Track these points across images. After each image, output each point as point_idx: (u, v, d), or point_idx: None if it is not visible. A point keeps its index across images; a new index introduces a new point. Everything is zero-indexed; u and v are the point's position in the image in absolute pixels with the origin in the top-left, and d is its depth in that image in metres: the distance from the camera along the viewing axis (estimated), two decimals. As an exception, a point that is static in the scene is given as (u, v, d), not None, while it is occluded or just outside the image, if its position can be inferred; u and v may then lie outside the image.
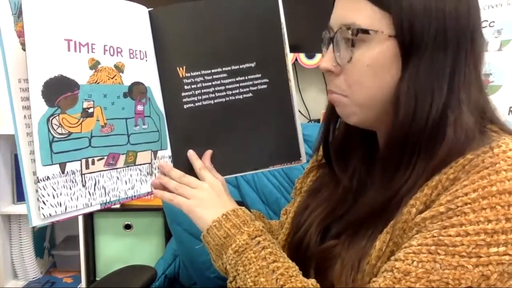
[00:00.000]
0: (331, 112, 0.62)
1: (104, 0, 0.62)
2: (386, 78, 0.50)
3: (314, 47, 1.53)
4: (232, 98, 0.69)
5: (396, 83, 0.50)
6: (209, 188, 0.63)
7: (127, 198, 0.64)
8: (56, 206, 0.55)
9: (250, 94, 0.69)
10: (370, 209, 0.53)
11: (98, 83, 0.59)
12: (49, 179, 0.54)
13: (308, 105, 1.68)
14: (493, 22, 1.18)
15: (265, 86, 0.69)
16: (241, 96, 0.69)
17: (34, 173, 0.54)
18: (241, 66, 0.68)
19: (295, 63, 1.61)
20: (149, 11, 0.68)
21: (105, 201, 0.61)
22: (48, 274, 1.75)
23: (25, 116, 0.54)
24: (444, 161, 0.48)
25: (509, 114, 1.15)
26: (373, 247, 0.50)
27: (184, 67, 0.68)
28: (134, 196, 0.65)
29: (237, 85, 0.68)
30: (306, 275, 0.55)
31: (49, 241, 1.80)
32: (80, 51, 0.58)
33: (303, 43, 1.58)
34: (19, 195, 1.65)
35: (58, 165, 0.55)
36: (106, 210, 1.59)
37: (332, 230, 0.59)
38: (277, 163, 0.71)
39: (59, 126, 0.55)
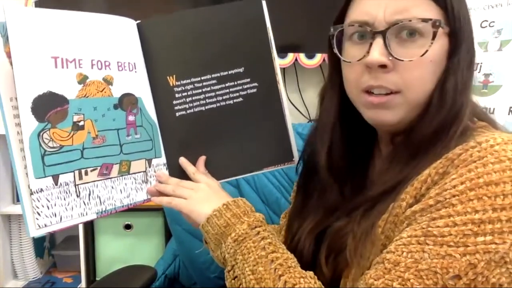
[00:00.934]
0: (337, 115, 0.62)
1: (90, 16, 0.65)
2: (439, 74, 0.53)
3: (314, 47, 1.53)
4: (223, 103, 0.70)
5: (440, 78, 0.53)
6: (206, 187, 0.64)
7: (123, 206, 0.65)
8: (51, 217, 0.57)
9: (241, 99, 0.70)
10: (382, 190, 0.54)
11: (87, 96, 0.61)
12: (43, 191, 0.57)
13: (308, 105, 1.68)
14: (493, 22, 1.18)
15: (254, 90, 0.71)
16: (231, 101, 0.70)
17: (29, 186, 0.56)
18: (230, 72, 0.70)
19: (295, 63, 1.61)
20: (137, 24, 0.69)
21: (100, 210, 0.62)
22: (48, 274, 1.75)
23: (18, 132, 0.57)
24: (436, 156, 0.49)
25: (509, 114, 1.15)
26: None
27: (174, 76, 0.69)
28: (130, 204, 0.66)
29: (227, 90, 0.70)
30: None
31: (49, 241, 1.80)
32: (67, 67, 0.60)
33: (303, 43, 1.58)
34: (19, 195, 1.64)
35: (51, 177, 0.57)
36: (106, 210, 1.59)
37: (324, 238, 0.59)
38: (271, 165, 0.73)
39: (50, 140, 0.57)
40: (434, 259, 0.44)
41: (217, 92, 0.70)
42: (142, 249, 1.61)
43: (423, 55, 0.51)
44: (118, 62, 0.65)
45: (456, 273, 0.43)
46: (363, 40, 0.54)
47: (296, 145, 0.75)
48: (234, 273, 0.56)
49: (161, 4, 1.59)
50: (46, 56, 0.58)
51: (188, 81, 0.69)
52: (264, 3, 0.71)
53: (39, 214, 0.56)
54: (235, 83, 0.70)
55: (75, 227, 1.57)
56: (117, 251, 1.62)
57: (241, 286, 0.55)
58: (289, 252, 0.57)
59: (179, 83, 0.69)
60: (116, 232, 1.62)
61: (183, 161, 0.70)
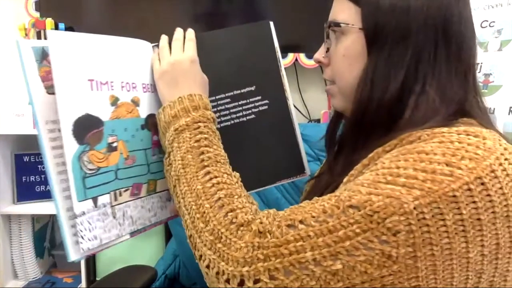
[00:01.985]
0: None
1: (115, 40, 0.66)
2: (359, 67, 0.55)
3: (314, 47, 1.53)
4: (236, 120, 0.73)
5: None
6: (180, 60, 0.65)
7: (151, 225, 0.67)
8: (93, 240, 0.58)
9: (253, 116, 0.74)
10: (340, 171, 0.57)
11: (119, 118, 0.63)
12: (85, 214, 0.57)
13: (308, 105, 1.68)
14: (493, 22, 1.18)
15: (266, 107, 0.74)
16: (245, 118, 0.73)
17: (69, 209, 0.56)
18: (242, 91, 0.73)
19: (295, 63, 1.61)
20: (152, 46, 0.71)
21: (133, 230, 0.64)
22: (48, 274, 1.75)
23: (54, 156, 0.57)
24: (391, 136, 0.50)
25: (509, 114, 1.15)
26: None
27: None
28: (157, 222, 0.68)
29: (240, 108, 0.73)
30: None
31: (49, 241, 1.80)
32: (101, 89, 0.61)
33: (303, 43, 1.58)
34: (19, 195, 1.65)
35: (91, 200, 0.58)
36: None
37: None
38: (284, 178, 0.75)
39: (89, 162, 0.58)
40: (345, 191, 0.46)
41: (231, 110, 0.73)
42: (142, 249, 1.61)
43: (326, 51, 0.60)
44: (142, 84, 0.67)
45: (355, 204, 0.43)
46: None
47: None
48: (169, 160, 0.59)
49: (162, 6, 1.59)
50: (83, 79, 0.59)
51: None
52: (272, 24, 0.76)
53: (82, 238, 0.57)
54: (248, 101, 0.74)
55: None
56: (117, 251, 1.62)
57: (172, 173, 0.57)
58: (223, 152, 0.59)
59: None
60: (116, 232, 1.62)
61: (186, 32, 0.70)
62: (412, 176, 0.43)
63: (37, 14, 1.64)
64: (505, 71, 1.16)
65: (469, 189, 0.41)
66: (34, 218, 1.68)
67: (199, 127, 0.59)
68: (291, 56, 1.60)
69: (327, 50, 0.60)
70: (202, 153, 0.56)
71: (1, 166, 1.58)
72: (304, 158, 0.76)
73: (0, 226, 1.59)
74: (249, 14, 1.60)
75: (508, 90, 1.15)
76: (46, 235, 1.79)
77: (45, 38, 0.60)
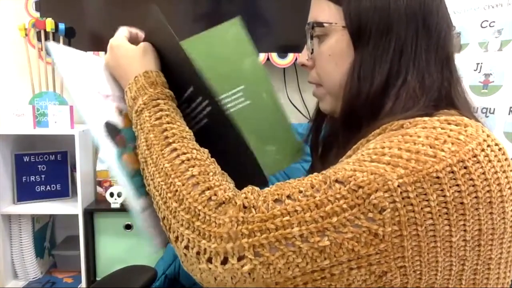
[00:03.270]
0: (318, 110, 0.66)
1: (98, 57, 0.69)
2: (346, 65, 0.55)
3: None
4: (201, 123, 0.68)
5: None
6: (136, 48, 0.63)
7: None
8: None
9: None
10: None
11: (130, 127, 0.63)
12: (144, 211, 0.57)
13: (308, 105, 1.68)
14: (493, 22, 1.18)
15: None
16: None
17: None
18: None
19: (295, 63, 1.61)
20: None
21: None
22: (48, 274, 1.75)
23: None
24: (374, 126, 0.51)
25: (509, 114, 1.15)
26: None
27: None
28: None
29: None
30: None
31: (49, 241, 1.80)
32: (107, 101, 0.63)
33: (303, 43, 1.58)
34: (19, 195, 1.65)
35: (145, 197, 0.58)
36: (107, 210, 1.60)
37: None
38: (286, 165, 0.75)
39: (127, 163, 0.59)
40: (331, 169, 0.46)
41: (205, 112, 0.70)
42: (142, 249, 1.61)
43: (311, 53, 0.59)
44: None
45: (340, 179, 0.43)
46: None
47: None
48: (138, 147, 0.56)
49: (162, 6, 1.59)
50: (93, 91, 0.60)
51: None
52: (239, 20, 0.75)
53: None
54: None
55: (75, 227, 1.58)
56: (117, 251, 1.62)
57: (139, 157, 0.55)
58: (187, 128, 0.56)
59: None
60: (116, 232, 1.62)
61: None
62: (397, 155, 0.43)
63: (37, 14, 1.64)
64: (505, 71, 1.16)
65: (452, 172, 0.42)
66: (34, 218, 1.68)
67: (158, 104, 0.56)
68: (291, 56, 1.60)
69: (311, 52, 0.60)
70: (165, 129, 0.53)
71: (1, 166, 1.58)
72: (301, 142, 0.75)
73: (0, 226, 1.59)
74: (249, 14, 1.60)
75: (508, 90, 1.15)
76: (46, 235, 1.78)
77: (46, 38, 0.61)
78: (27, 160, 1.67)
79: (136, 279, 0.98)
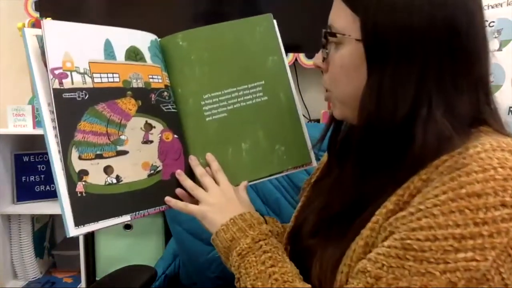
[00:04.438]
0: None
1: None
2: (358, 78, 0.52)
3: (314, 47, 1.53)
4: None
5: (364, 85, 0.52)
6: (220, 193, 0.65)
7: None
8: None
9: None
10: (340, 209, 0.55)
11: None
12: None
13: (308, 105, 1.68)
14: (493, 22, 1.18)
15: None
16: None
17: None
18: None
19: (295, 63, 1.61)
20: (160, 41, 0.73)
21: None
22: (48, 274, 1.75)
23: (55, 135, 0.60)
24: (415, 164, 0.48)
25: (508, 114, 1.15)
26: (349, 248, 0.51)
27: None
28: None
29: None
30: (303, 268, 0.57)
31: (49, 241, 1.80)
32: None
33: (303, 43, 1.58)
34: (19, 195, 1.65)
35: None
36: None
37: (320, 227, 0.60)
38: (290, 167, 0.75)
39: None
40: (414, 276, 0.43)
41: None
42: (142, 249, 1.61)
43: (323, 61, 0.57)
44: None
45: None
46: None
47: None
48: (240, 285, 0.58)
49: (162, 6, 1.58)
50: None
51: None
52: (272, 17, 0.77)
53: None
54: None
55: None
56: (117, 251, 1.62)
57: None
58: (289, 266, 0.57)
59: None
60: (116, 232, 1.62)
61: (209, 156, 0.70)
62: (478, 234, 0.42)
63: (37, 14, 1.64)
64: (505, 71, 1.16)
65: None
66: (34, 218, 1.68)
67: (261, 246, 0.58)
68: (291, 56, 1.60)
69: (326, 56, 0.57)
70: (270, 276, 0.55)
71: (1, 166, 1.58)
72: (310, 148, 0.76)
73: (0, 226, 1.59)
74: (249, 14, 1.60)
75: (508, 90, 1.15)
76: (46, 235, 1.78)
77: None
78: (27, 160, 1.66)
79: (136, 279, 0.98)
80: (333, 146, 0.66)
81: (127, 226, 1.62)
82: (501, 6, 1.17)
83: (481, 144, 0.46)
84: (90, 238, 1.60)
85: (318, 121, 1.67)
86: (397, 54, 0.49)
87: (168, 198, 0.67)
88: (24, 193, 1.65)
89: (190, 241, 1.12)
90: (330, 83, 0.58)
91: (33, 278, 1.68)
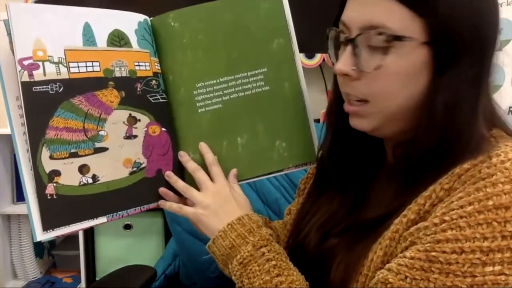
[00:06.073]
0: (335, 119, 0.60)
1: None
2: (416, 87, 0.48)
3: (314, 47, 1.53)
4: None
5: (425, 92, 0.48)
6: (215, 192, 0.61)
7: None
8: None
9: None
10: (377, 216, 0.52)
11: None
12: None
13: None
14: (493, 22, 1.18)
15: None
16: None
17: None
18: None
19: (295, 63, 1.61)
20: (151, 20, 0.67)
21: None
22: (48, 274, 1.75)
23: (24, 133, 0.56)
24: (444, 170, 0.47)
25: (508, 114, 1.15)
26: (366, 257, 0.50)
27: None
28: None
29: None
30: (306, 278, 0.55)
31: (48, 241, 1.80)
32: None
33: (303, 43, 1.58)
34: (19, 195, 1.64)
35: None
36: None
37: (331, 235, 0.58)
38: (292, 165, 0.67)
39: None
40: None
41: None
42: (142, 249, 1.61)
43: (376, 68, 0.48)
44: None
45: None
46: (343, 44, 0.53)
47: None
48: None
49: (162, 6, 1.58)
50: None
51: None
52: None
53: None
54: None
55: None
56: (117, 251, 1.62)
57: None
58: (295, 273, 0.55)
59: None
60: (116, 232, 1.62)
61: (203, 147, 0.64)
62: (506, 248, 0.41)
63: (37, 14, 1.64)
64: (505, 71, 1.16)
65: None
66: (34, 218, 1.68)
67: (263, 253, 0.55)
68: (291, 56, 1.60)
69: (359, 62, 0.49)
70: (276, 286, 0.53)
71: (1, 166, 1.58)
72: (316, 146, 0.68)
73: (0, 226, 1.59)
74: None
75: (508, 90, 1.15)
76: (45, 235, 1.78)
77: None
78: (27, 160, 1.67)
79: (135, 279, 0.98)
80: (335, 157, 0.61)
81: (127, 226, 1.62)
82: (501, 6, 1.17)
83: (503, 152, 0.45)
84: (90, 238, 1.60)
85: (318, 121, 1.67)
86: (470, 54, 0.46)
87: (162, 202, 0.63)
88: (23, 193, 1.65)
89: (190, 241, 1.12)
90: (371, 93, 0.50)
91: (33, 278, 1.68)
